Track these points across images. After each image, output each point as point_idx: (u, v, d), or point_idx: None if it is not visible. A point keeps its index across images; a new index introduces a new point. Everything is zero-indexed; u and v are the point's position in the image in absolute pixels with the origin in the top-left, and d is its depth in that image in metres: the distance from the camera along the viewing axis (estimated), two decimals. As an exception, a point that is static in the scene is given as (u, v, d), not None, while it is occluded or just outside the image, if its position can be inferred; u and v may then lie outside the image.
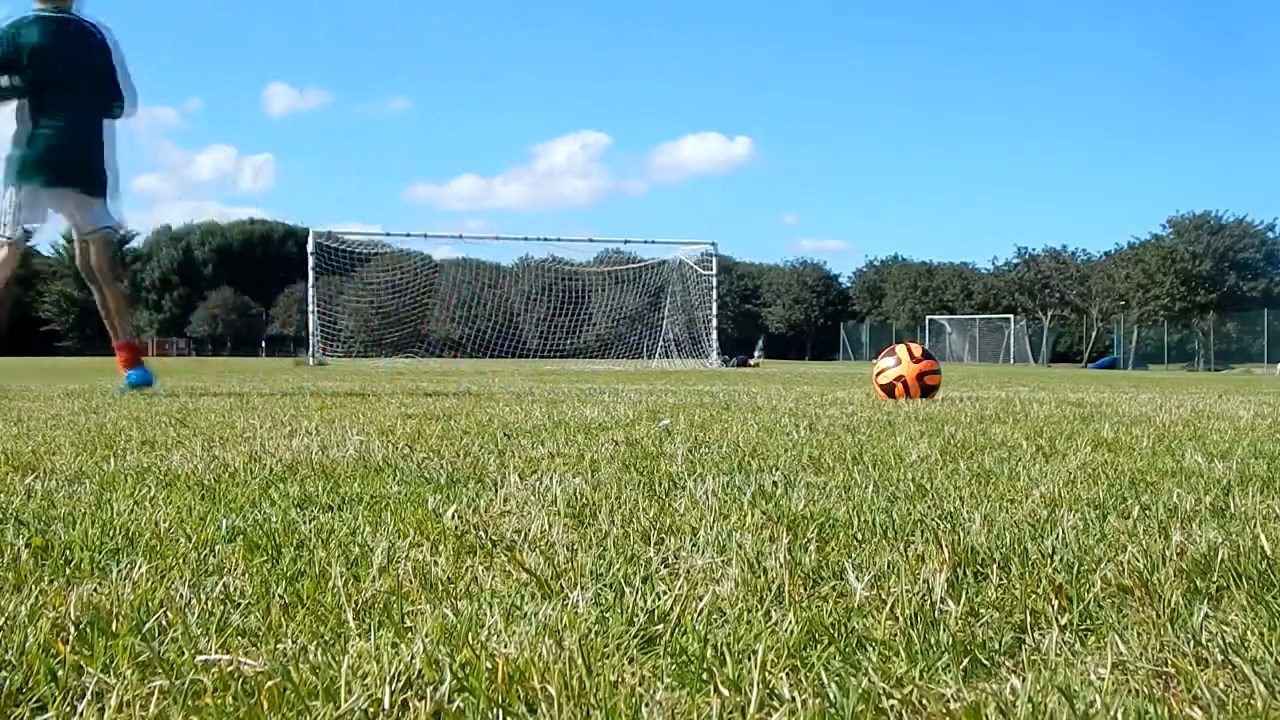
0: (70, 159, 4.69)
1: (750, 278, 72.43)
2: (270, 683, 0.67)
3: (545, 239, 27.47)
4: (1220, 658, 0.75)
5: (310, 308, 21.89)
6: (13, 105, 4.64)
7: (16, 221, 4.58)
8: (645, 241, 24.50)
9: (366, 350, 27.60)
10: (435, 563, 1.06)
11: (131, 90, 4.92)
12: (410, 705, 0.65)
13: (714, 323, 22.09)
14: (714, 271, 22.32)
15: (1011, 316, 48.99)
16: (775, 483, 1.67)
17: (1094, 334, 49.30)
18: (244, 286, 68.93)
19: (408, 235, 26.02)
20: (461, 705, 0.65)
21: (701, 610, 0.87)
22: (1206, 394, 6.75)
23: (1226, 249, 45.76)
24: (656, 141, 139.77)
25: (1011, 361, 43.85)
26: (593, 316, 27.52)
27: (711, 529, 1.25)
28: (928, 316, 54.41)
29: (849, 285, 72.29)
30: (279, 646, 0.77)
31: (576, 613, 0.86)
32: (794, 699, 0.66)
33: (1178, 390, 7.97)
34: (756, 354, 28.97)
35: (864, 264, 72.21)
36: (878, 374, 4.72)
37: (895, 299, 64.33)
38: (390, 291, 27.23)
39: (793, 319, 68.41)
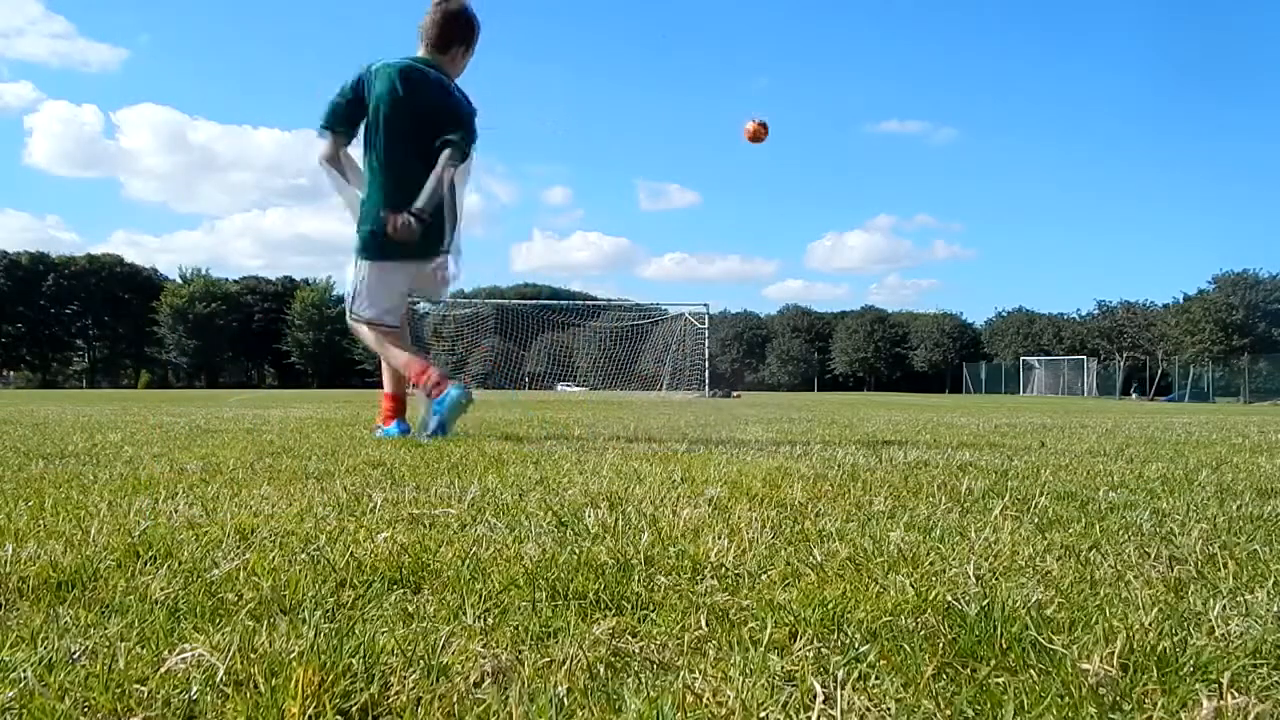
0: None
1: (900, 326, 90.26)
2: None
3: (574, 300, 33.71)
4: None
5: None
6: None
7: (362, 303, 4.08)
8: (656, 304, 33.30)
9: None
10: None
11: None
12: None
13: (706, 364, 28.15)
14: (706, 326, 28.89)
15: (1084, 358, 57.71)
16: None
17: (1158, 373, 58.20)
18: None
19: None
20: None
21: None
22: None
23: (1259, 301, 56.09)
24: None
25: (1086, 395, 50.17)
26: (617, 357, 35.06)
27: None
28: (1022, 357, 64.88)
29: (982, 330, 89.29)
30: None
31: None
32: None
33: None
34: None
35: (993, 314, 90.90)
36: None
37: (1003, 343, 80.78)
38: (457, 335, 33.51)
39: (933, 360, 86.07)
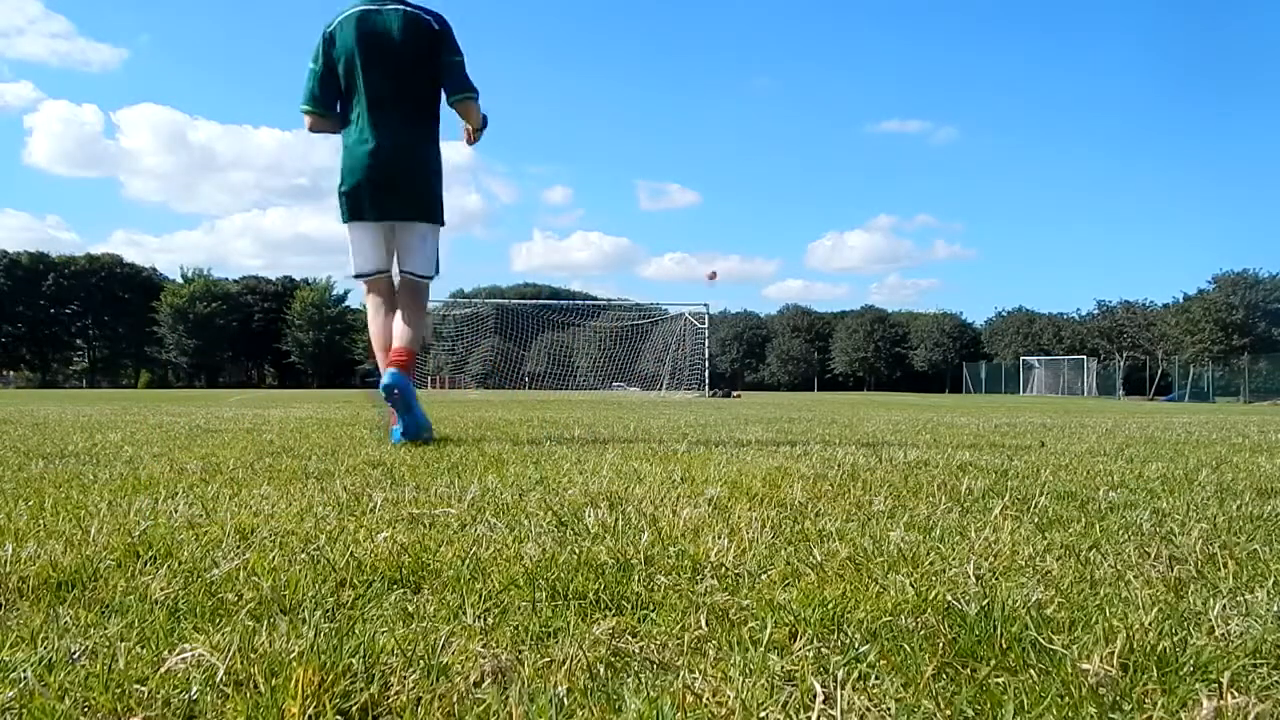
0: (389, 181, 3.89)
1: (900, 326, 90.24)
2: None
3: (575, 300, 34.15)
4: None
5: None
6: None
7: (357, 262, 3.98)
8: (656, 304, 33.97)
9: (452, 381, 33.26)
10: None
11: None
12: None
13: (706, 364, 28.20)
14: (706, 326, 28.78)
15: (1084, 358, 57.98)
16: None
17: (1158, 373, 58.64)
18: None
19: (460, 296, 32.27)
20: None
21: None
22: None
23: (1259, 301, 56.10)
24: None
25: (1086, 395, 50.36)
26: (618, 357, 35.85)
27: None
28: (1022, 357, 64.91)
29: (982, 330, 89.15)
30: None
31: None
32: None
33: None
34: None
35: (994, 313, 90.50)
36: None
37: (1003, 343, 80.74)
38: (457, 334, 34.75)
39: (933, 360, 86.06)
